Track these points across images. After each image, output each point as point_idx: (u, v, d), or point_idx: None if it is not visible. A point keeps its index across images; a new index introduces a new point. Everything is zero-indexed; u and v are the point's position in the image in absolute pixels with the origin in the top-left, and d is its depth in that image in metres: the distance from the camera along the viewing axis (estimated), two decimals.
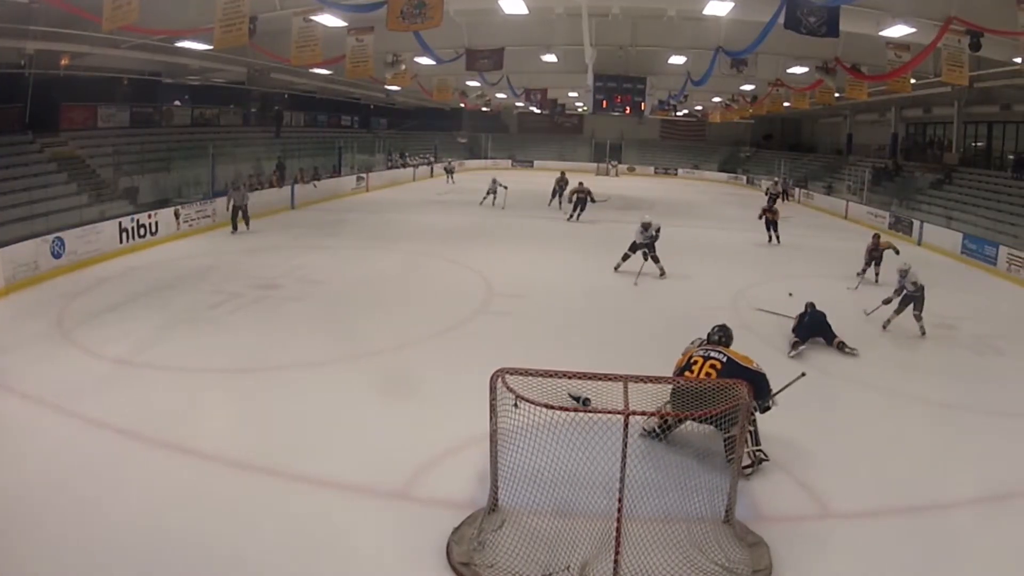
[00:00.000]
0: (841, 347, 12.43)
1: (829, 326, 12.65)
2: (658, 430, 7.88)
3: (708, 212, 34.30)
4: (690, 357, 8.32)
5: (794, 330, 12.71)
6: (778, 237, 24.32)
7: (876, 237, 18.74)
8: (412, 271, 18.49)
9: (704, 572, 6.00)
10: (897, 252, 17.61)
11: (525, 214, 28.06)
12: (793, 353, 12.09)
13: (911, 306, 13.61)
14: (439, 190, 39.16)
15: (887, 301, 13.95)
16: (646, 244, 17.56)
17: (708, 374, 7.94)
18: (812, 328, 12.66)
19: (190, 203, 22.55)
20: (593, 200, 27.87)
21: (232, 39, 15.12)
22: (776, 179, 39.84)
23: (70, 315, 13.07)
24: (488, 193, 31.89)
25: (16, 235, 15.96)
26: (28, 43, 19.26)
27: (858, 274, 18.07)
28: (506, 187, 31.93)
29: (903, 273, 13.68)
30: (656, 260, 17.63)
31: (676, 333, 11.75)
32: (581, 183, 28.72)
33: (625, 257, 17.90)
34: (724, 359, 8.12)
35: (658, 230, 17.66)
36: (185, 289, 15.32)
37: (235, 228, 22.52)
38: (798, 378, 8.92)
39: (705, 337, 9.02)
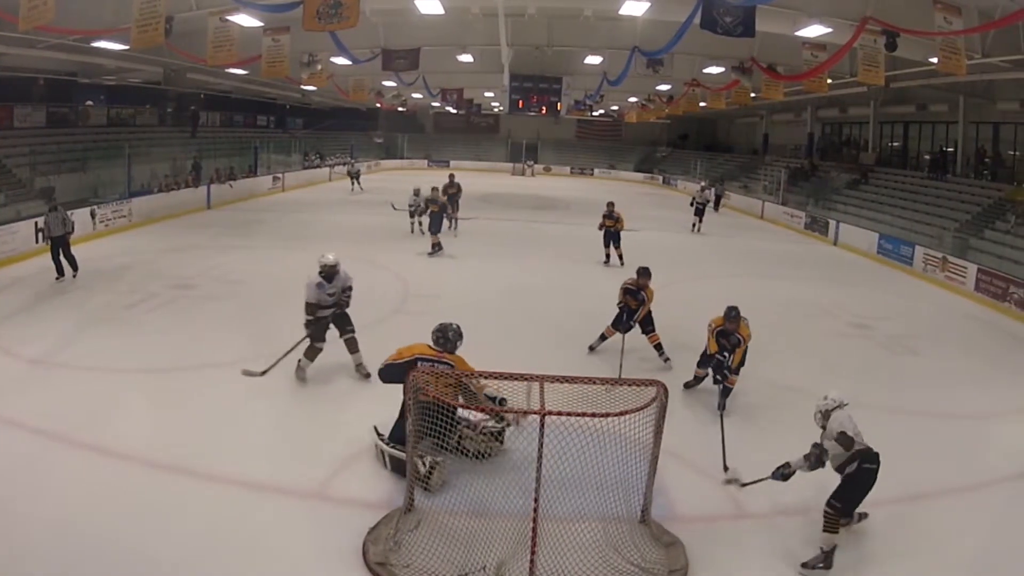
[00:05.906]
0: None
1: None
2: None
3: (624, 212, 34.46)
4: (416, 369, 6.97)
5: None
6: (620, 257, 19.75)
7: (644, 276, 11.50)
8: None
9: (620, 572, 6.03)
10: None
11: None
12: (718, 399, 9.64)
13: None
14: (345, 194, 38.14)
15: (783, 472, 6.96)
16: (332, 305, 10.32)
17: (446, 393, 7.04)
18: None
19: (106, 203, 22.06)
20: (452, 218, 21.75)
21: (148, 39, 14.95)
22: (703, 183, 34.59)
23: None
24: (413, 215, 23.82)
25: None
26: None
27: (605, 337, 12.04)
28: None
29: (824, 416, 6.82)
30: (352, 349, 10.39)
31: (591, 332, 11.90)
32: (435, 188, 21.68)
33: (309, 323, 10.30)
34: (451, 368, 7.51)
35: (347, 291, 10.47)
36: (101, 289, 14.96)
37: (59, 272, 15.34)
38: None
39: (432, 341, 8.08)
